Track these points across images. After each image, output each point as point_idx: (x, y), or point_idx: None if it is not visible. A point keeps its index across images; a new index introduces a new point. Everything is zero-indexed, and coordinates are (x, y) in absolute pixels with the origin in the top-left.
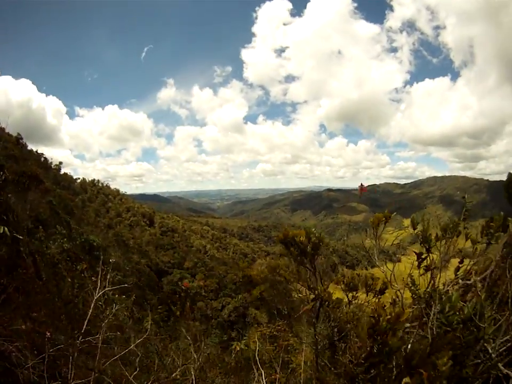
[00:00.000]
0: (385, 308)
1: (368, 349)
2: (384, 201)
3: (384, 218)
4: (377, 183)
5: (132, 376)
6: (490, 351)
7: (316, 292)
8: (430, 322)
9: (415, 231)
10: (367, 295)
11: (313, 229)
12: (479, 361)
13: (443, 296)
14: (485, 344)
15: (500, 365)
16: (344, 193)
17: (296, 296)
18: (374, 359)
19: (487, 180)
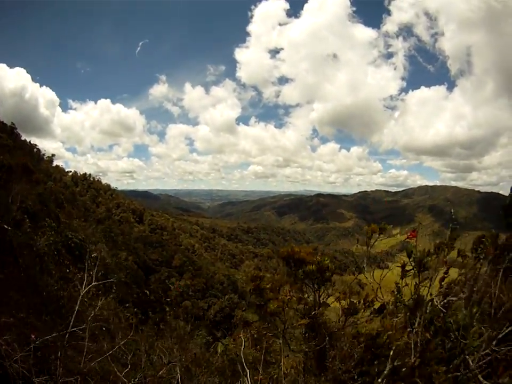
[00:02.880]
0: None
1: (356, 357)
2: (374, 209)
3: (378, 230)
4: (368, 190)
5: (120, 374)
6: (470, 363)
7: (312, 309)
8: (414, 331)
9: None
10: (364, 311)
11: (327, 260)
12: (459, 374)
13: (428, 305)
14: (466, 357)
15: (479, 376)
16: (335, 198)
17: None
18: (363, 367)
19: (478, 191)
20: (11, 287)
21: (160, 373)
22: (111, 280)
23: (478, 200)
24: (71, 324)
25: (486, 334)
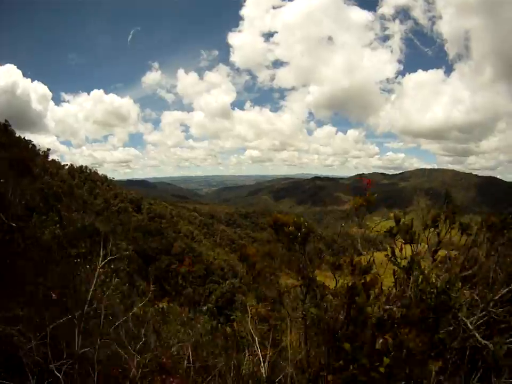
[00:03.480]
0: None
1: (345, 307)
2: (371, 192)
3: (365, 203)
4: (366, 173)
5: (130, 354)
6: (468, 323)
7: (305, 272)
8: (408, 291)
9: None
10: (352, 274)
11: (302, 219)
12: (451, 328)
13: (422, 265)
14: (459, 314)
15: (478, 335)
16: (332, 181)
17: (284, 282)
18: (350, 315)
19: (476, 175)
20: (20, 280)
21: (171, 351)
22: (126, 253)
23: (476, 184)
24: (86, 303)
25: (483, 298)
